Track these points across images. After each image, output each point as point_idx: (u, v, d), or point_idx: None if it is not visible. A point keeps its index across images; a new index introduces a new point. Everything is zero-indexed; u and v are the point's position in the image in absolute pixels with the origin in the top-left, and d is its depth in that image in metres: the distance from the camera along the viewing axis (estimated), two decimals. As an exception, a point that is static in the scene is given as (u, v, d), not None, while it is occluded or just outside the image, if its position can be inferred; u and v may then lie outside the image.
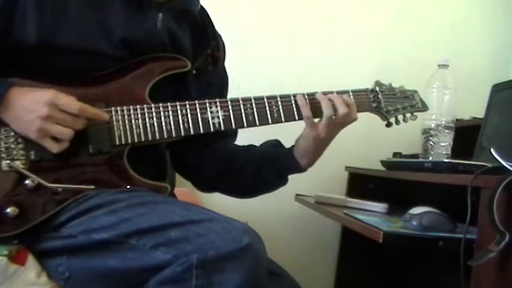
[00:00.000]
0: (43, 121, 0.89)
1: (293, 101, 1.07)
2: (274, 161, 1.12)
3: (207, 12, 1.18)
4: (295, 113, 1.07)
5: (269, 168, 1.12)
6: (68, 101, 0.91)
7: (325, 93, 1.08)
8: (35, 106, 0.89)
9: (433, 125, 1.40)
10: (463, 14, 2.13)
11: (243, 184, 1.16)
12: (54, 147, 0.91)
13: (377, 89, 1.16)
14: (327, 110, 1.05)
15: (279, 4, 2.00)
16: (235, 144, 1.20)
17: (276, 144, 1.17)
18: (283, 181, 1.15)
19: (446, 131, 1.39)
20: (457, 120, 1.44)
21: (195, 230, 0.78)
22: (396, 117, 1.18)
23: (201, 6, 1.16)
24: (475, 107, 1.61)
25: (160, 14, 1.05)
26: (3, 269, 0.86)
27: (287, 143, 1.15)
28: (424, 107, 1.22)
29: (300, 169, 1.12)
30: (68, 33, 0.97)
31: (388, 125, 1.17)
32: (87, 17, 0.99)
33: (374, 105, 1.15)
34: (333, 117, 1.05)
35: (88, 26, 0.99)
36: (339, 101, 1.06)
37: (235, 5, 1.94)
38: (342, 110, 1.05)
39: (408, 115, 1.19)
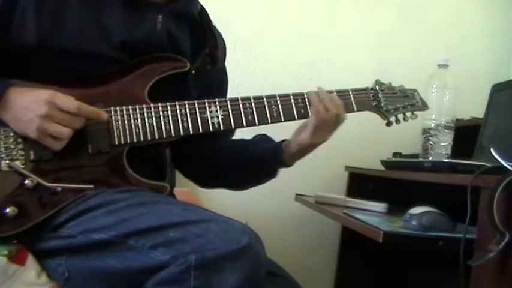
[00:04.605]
0: (42, 120, 0.89)
1: (292, 101, 1.08)
2: (263, 158, 1.14)
3: (207, 13, 1.17)
4: (295, 112, 1.07)
5: (257, 165, 1.14)
6: (66, 100, 0.91)
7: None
8: (34, 105, 0.89)
9: (433, 125, 1.40)
10: (463, 14, 2.13)
11: (235, 179, 1.20)
12: (54, 145, 0.92)
13: (377, 88, 1.17)
14: (321, 113, 1.06)
15: (279, 4, 2.00)
16: (230, 140, 1.21)
17: (264, 139, 1.19)
18: (272, 176, 1.18)
19: (446, 131, 1.40)
20: (457, 120, 1.44)
21: (194, 231, 0.78)
22: (396, 116, 1.18)
23: (201, 6, 1.16)
24: (475, 107, 1.61)
25: (160, 16, 1.05)
26: (3, 269, 0.86)
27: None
28: (424, 106, 1.22)
29: (286, 166, 1.15)
30: (67, 35, 0.97)
31: (388, 124, 1.18)
32: (86, 19, 0.99)
33: (374, 104, 1.15)
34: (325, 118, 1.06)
35: (87, 28, 0.99)
36: (329, 102, 1.07)
37: (235, 5, 1.94)
38: (332, 111, 1.06)
39: (408, 114, 1.19)
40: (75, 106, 0.91)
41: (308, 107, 1.08)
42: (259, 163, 1.14)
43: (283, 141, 1.14)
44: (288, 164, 1.14)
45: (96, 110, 0.95)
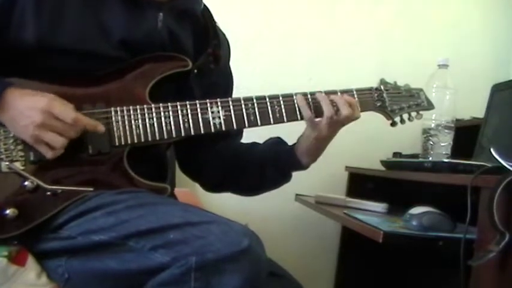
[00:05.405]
0: (37, 128, 0.88)
1: (295, 101, 1.07)
2: (276, 160, 1.13)
3: (210, 12, 1.16)
4: (298, 113, 1.06)
5: (271, 168, 1.13)
6: (64, 110, 0.90)
7: (327, 93, 1.07)
8: (31, 112, 0.89)
9: (433, 125, 1.40)
10: (463, 14, 2.13)
11: (247, 184, 1.18)
12: (48, 153, 0.91)
13: (381, 87, 1.15)
14: (327, 111, 1.04)
15: (279, 4, 1.99)
16: (240, 143, 1.21)
17: (278, 142, 1.18)
18: (286, 178, 1.16)
19: (446, 131, 1.40)
20: (457, 120, 1.44)
21: (194, 232, 0.78)
22: (401, 116, 1.16)
23: (205, 5, 1.15)
24: (475, 107, 1.61)
25: (161, 14, 1.04)
26: (4, 270, 0.86)
27: (290, 142, 1.15)
28: (429, 106, 1.20)
29: (302, 167, 1.13)
30: (67, 34, 0.97)
31: (393, 124, 1.16)
32: (85, 19, 0.99)
33: (378, 104, 1.13)
34: (334, 117, 1.04)
35: (87, 27, 0.98)
36: (341, 101, 1.05)
37: (235, 5, 1.94)
38: (344, 111, 1.04)
39: (413, 114, 1.17)
40: (72, 117, 0.90)
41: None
42: (273, 165, 1.13)
43: (295, 143, 1.13)
44: (304, 165, 1.12)
45: (94, 122, 0.94)
